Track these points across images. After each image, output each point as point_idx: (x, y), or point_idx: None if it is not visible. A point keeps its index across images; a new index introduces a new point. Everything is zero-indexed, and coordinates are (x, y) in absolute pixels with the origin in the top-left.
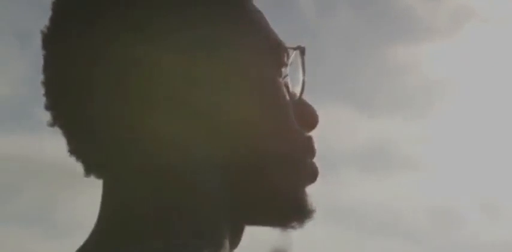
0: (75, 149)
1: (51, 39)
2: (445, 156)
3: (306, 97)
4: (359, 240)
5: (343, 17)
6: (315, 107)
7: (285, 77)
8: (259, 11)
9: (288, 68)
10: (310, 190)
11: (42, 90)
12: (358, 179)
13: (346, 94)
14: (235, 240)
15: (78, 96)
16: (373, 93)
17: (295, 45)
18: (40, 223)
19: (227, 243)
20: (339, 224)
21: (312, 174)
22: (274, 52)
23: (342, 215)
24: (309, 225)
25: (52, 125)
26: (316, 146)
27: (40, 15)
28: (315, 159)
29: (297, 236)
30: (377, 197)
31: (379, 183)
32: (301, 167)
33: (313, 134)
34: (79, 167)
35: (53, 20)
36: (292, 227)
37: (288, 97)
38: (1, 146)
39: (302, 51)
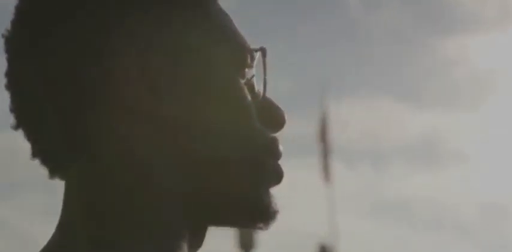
0: (39, 151)
1: (13, 42)
2: (495, 150)
3: (362, 94)
4: (408, 233)
5: (390, 11)
6: (365, 102)
7: (251, 78)
8: (223, 12)
9: (254, 69)
10: (274, 191)
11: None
12: (408, 172)
13: (395, 88)
14: (197, 241)
15: (41, 99)
16: (423, 87)
17: (258, 47)
18: None
19: (184, 245)
20: (388, 217)
21: (275, 176)
22: (237, 54)
23: (391, 208)
24: (358, 218)
25: (16, 127)
26: (280, 147)
27: None
28: (279, 161)
29: (346, 229)
30: (426, 190)
31: (428, 177)
32: (263, 168)
33: (279, 134)
34: None
35: (14, 23)
36: (257, 228)
37: (249, 98)
38: None
39: (263, 52)
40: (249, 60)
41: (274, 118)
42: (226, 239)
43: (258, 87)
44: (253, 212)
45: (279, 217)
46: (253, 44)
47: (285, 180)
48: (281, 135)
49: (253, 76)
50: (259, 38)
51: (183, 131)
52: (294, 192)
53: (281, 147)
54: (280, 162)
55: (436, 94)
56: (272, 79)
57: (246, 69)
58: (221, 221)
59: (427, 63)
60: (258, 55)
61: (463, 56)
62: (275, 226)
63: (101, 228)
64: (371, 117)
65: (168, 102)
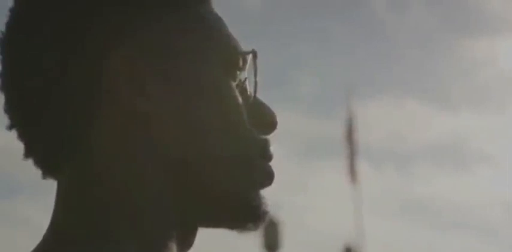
0: (32, 152)
1: (8, 44)
2: None
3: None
4: (433, 234)
5: (417, 13)
6: (391, 103)
7: (244, 80)
8: (216, 14)
9: (246, 71)
10: (267, 192)
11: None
12: (434, 173)
13: (421, 89)
14: (187, 241)
15: (35, 100)
16: (449, 88)
17: (249, 49)
18: None
19: (173, 246)
20: (413, 218)
21: (266, 177)
22: (228, 56)
23: (416, 209)
24: (384, 219)
25: (10, 128)
26: (272, 149)
27: None
28: (271, 162)
29: (371, 230)
30: (452, 191)
31: (454, 178)
32: (252, 169)
33: (271, 136)
34: None
35: (9, 25)
36: (248, 229)
37: (240, 100)
38: None
39: (254, 54)
40: (240, 63)
41: (265, 120)
42: (252, 240)
43: (250, 89)
44: (243, 212)
45: (306, 217)
46: (279, 45)
47: (311, 181)
48: (272, 137)
49: (245, 79)
50: (286, 40)
51: (173, 131)
52: (321, 193)
53: (272, 149)
54: (271, 163)
55: (463, 96)
56: (299, 80)
57: (238, 72)
58: (211, 221)
59: (454, 64)
60: (249, 58)
61: (490, 57)
62: (301, 227)
63: (92, 228)
64: (397, 119)
65: (158, 103)
